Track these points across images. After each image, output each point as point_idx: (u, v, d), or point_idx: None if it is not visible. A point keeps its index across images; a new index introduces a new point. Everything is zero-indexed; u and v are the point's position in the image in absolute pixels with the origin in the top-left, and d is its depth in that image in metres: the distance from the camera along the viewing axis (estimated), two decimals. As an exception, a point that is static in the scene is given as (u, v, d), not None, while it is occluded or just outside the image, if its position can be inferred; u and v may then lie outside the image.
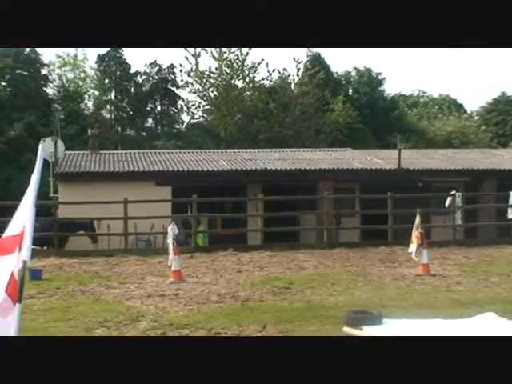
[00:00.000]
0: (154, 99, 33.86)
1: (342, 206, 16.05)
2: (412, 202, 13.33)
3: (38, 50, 30.46)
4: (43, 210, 13.93)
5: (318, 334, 5.76)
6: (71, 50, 34.10)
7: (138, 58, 57.53)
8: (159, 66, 33.57)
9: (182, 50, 28.66)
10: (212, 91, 29.40)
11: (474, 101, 72.12)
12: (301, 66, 30.39)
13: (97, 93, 33.86)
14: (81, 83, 34.20)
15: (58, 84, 33.02)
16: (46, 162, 14.73)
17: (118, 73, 32.77)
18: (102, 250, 13.56)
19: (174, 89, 33.69)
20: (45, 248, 13.15)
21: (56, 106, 30.32)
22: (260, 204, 14.93)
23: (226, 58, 28.50)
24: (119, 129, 33.69)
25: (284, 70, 29.82)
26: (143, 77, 33.80)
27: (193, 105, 30.89)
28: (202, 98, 29.97)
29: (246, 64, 28.74)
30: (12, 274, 2.76)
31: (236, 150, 20.28)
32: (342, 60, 45.52)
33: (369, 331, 5.76)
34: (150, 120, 34.64)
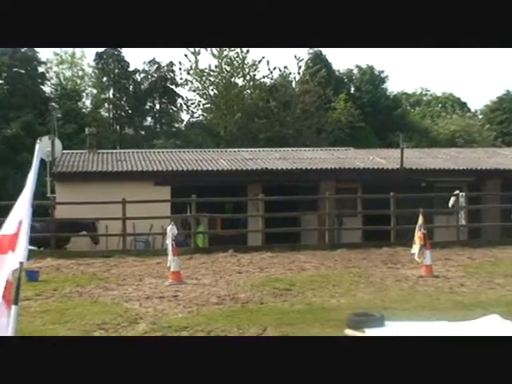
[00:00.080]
0: (152, 97, 33.80)
1: (344, 207, 16.00)
2: (415, 202, 13.23)
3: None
4: (40, 211, 13.90)
5: (319, 336, 5.71)
6: (69, 48, 33.98)
7: (137, 56, 57.53)
8: (158, 63, 33.49)
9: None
10: (212, 89, 29.35)
11: (477, 99, 72.52)
12: (302, 63, 30.37)
13: (95, 91, 33.79)
14: (79, 81, 34.13)
15: (55, 82, 32.95)
16: (42, 162, 14.73)
17: (117, 71, 32.71)
18: (100, 250, 13.52)
19: (173, 87, 33.61)
20: (41, 249, 13.04)
21: (53, 104, 30.17)
22: (260, 204, 14.78)
23: (226, 55, 28.43)
24: (117, 128, 33.64)
25: (285, 67, 29.88)
26: (142, 75, 33.74)
27: (192, 103, 30.92)
28: (201, 97, 29.96)
29: (246, 62, 28.70)
30: (6, 278, 2.75)
31: (236, 150, 20.21)
32: (344, 58, 45.60)
33: (371, 334, 5.68)
34: (149, 119, 34.59)
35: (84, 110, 31.96)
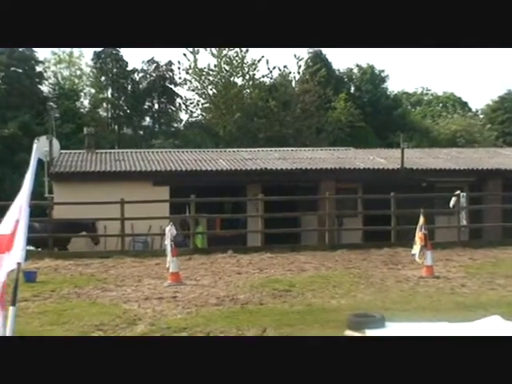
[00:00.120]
0: (151, 97, 33.78)
1: (344, 207, 15.97)
2: (415, 202, 13.18)
3: (34, 47, 30.14)
4: (38, 211, 13.98)
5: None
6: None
7: (135, 55, 57.42)
8: (157, 63, 33.47)
9: (181, 47, 28.39)
10: (211, 89, 29.35)
11: (479, 99, 72.55)
12: (302, 63, 30.39)
13: (93, 90, 33.77)
14: (77, 81, 34.10)
15: (53, 82, 32.93)
16: (40, 162, 14.73)
17: (115, 70, 32.68)
18: (98, 251, 13.50)
19: (171, 86, 33.61)
20: (39, 249, 13.04)
21: (51, 104, 30.24)
22: (260, 204, 14.79)
23: (226, 55, 28.39)
24: (116, 127, 33.62)
25: (285, 67, 29.87)
26: (140, 74, 33.72)
27: (191, 103, 30.97)
28: (200, 96, 29.96)
29: (245, 61, 28.69)
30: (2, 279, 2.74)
31: (235, 149, 20.20)
32: (344, 57, 45.57)
33: (371, 335, 5.63)
34: (148, 118, 34.58)
35: (82, 110, 31.97)
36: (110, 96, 33.19)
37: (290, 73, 29.80)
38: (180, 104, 33.25)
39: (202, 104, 30.13)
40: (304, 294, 8.13)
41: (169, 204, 14.93)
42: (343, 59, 62.43)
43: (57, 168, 15.61)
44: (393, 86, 60.95)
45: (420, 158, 17.81)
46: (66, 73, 34.11)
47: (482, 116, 39.17)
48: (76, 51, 34.00)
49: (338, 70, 33.79)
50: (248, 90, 28.99)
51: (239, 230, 15.57)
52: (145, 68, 33.62)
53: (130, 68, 33.22)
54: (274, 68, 29.32)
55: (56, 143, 16.67)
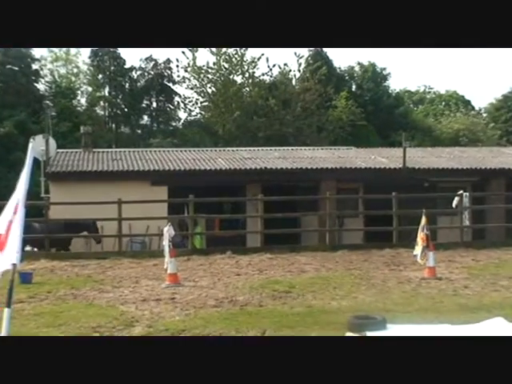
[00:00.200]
0: (149, 95, 33.67)
1: (345, 207, 15.96)
2: (418, 202, 13.16)
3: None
4: (34, 211, 14.00)
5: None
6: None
7: (133, 53, 57.04)
8: (155, 60, 33.32)
9: (179, 44, 28.21)
10: (210, 87, 29.32)
11: (482, 97, 72.31)
12: (302, 61, 30.29)
13: (90, 89, 33.69)
14: (73, 79, 33.99)
15: (49, 79, 32.79)
16: (36, 161, 14.71)
17: (112, 68, 32.56)
18: (95, 252, 13.50)
19: (170, 85, 33.51)
20: (35, 250, 13.03)
21: (48, 102, 30.12)
22: (259, 204, 14.75)
23: (225, 52, 28.33)
24: (113, 126, 33.58)
25: (285, 65, 29.75)
26: (138, 72, 33.58)
27: (190, 101, 30.93)
28: (199, 95, 29.91)
29: (245, 59, 28.62)
30: None
31: (235, 149, 20.20)
32: (345, 55, 45.41)
33: None
34: (146, 117, 34.48)
35: (79, 108, 31.89)
36: (107, 94, 33.10)
37: (291, 71, 29.76)
38: (178, 102, 33.26)
39: (201, 102, 30.10)
40: (304, 296, 8.10)
41: (167, 204, 14.92)
42: (344, 57, 62.39)
43: (53, 167, 15.58)
44: (395, 84, 61.05)
45: (422, 158, 17.81)
46: (62, 71, 34.04)
47: (485, 115, 39.05)
48: (73, 49, 33.88)
49: (339, 68, 33.68)
50: (247, 88, 28.95)
51: (238, 230, 15.56)
52: (143, 66, 33.50)
53: (127, 66, 33.13)
54: (274, 66, 29.32)
55: (52, 142, 16.65)
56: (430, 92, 42.61)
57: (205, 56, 52.13)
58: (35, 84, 30.88)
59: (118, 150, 19.99)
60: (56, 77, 33.29)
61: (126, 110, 33.04)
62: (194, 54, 28.39)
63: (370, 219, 15.74)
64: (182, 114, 33.63)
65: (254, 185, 15.81)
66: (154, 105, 34.22)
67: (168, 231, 9.60)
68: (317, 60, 30.48)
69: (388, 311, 6.85)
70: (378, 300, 7.75)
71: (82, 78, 34.02)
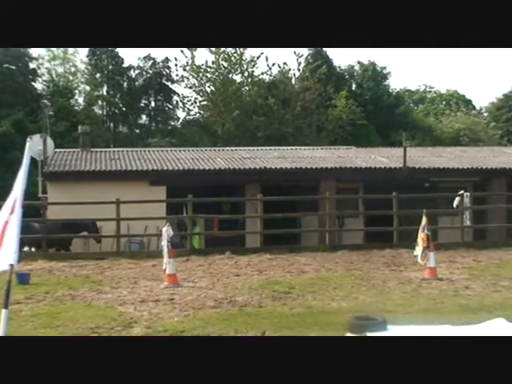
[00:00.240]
0: (147, 94, 33.62)
1: (345, 207, 15.92)
2: (418, 202, 13.14)
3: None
4: (31, 211, 13.92)
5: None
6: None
7: (131, 52, 56.80)
8: (153, 59, 33.25)
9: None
10: (209, 86, 29.34)
11: (483, 96, 72.43)
12: (302, 59, 30.29)
13: (88, 88, 33.64)
14: (71, 78, 33.94)
15: (47, 79, 32.73)
16: (34, 161, 14.66)
17: (110, 67, 32.48)
18: (93, 252, 13.48)
19: (168, 84, 33.48)
20: (33, 250, 12.98)
21: (45, 101, 30.09)
22: (259, 205, 14.65)
23: (224, 51, 28.30)
24: (111, 126, 33.55)
25: (284, 64, 29.75)
26: (136, 71, 33.51)
27: (189, 100, 31.02)
28: (198, 94, 29.89)
29: (244, 58, 28.59)
30: None
31: (234, 148, 20.19)
32: (345, 54, 45.49)
33: None
34: (144, 116, 34.45)
35: (77, 108, 31.85)
36: (105, 93, 33.05)
37: (290, 70, 29.75)
38: (177, 102, 33.30)
39: (200, 102, 30.10)
40: (304, 296, 8.09)
41: (165, 204, 14.88)
42: (344, 56, 62.29)
43: (51, 167, 15.53)
44: (395, 84, 60.93)
45: (423, 157, 17.82)
46: (60, 70, 34.03)
47: (486, 114, 39.07)
48: (70, 48, 33.74)
49: (339, 67, 33.62)
50: (247, 88, 28.94)
51: (237, 230, 15.52)
52: (141, 65, 33.42)
53: (125, 65, 33.07)
54: (274, 65, 29.34)
55: (50, 142, 16.59)
56: (430, 91, 42.60)
57: (204, 55, 52.31)
58: (33, 83, 30.84)
59: (116, 149, 19.96)
60: (53, 76, 33.27)
61: (124, 109, 32.97)
62: (192, 53, 28.45)
63: (370, 219, 15.74)
64: (181, 114, 33.71)
65: (254, 185, 15.78)
66: (153, 104, 34.16)
67: (167, 231, 9.58)
68: (316, 59, 30.42)
69: (388, 312, 6.83)
70: (378, 301, 7.73)
71: (79, 77, 33.98)
